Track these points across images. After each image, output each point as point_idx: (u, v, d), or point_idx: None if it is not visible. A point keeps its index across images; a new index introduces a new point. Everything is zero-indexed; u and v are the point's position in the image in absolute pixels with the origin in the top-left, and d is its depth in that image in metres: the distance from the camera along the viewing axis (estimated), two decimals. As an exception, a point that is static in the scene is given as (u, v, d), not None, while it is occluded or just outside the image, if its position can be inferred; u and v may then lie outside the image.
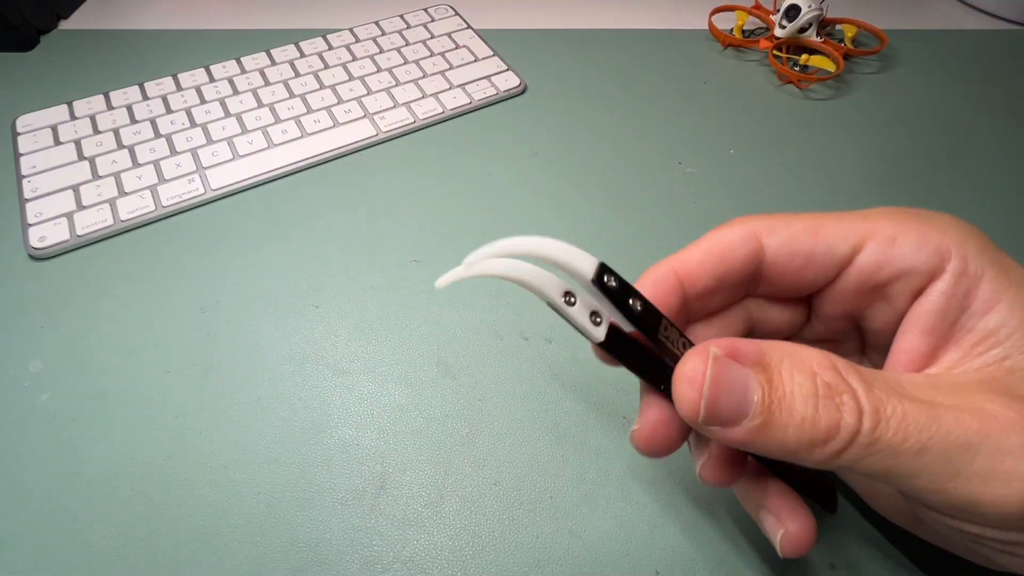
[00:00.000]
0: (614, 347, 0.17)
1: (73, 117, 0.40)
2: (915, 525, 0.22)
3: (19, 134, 0.39)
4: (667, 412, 0.18)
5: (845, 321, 0.21)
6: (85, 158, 0.38)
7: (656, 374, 0.18)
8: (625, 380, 0.29)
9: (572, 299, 0.16)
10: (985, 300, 0.17)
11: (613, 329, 0.17)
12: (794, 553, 0.19)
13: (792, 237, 0.19)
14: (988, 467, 0.14)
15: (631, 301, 0.16)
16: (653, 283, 0.19)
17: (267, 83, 0.43)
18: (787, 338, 0.22)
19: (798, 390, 0.15)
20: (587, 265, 0.16)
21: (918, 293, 0.18)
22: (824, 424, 0.15)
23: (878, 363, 0.21)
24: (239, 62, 0.45)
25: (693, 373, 0.16)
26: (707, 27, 0.50)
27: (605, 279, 0.16)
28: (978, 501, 0.15)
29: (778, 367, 0.16)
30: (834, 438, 0.15)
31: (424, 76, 0.44)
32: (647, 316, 0.17)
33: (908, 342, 0.18)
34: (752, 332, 0.22)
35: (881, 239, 0.18)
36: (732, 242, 0.19)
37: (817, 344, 0.19)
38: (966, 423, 0.14)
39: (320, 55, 0.46)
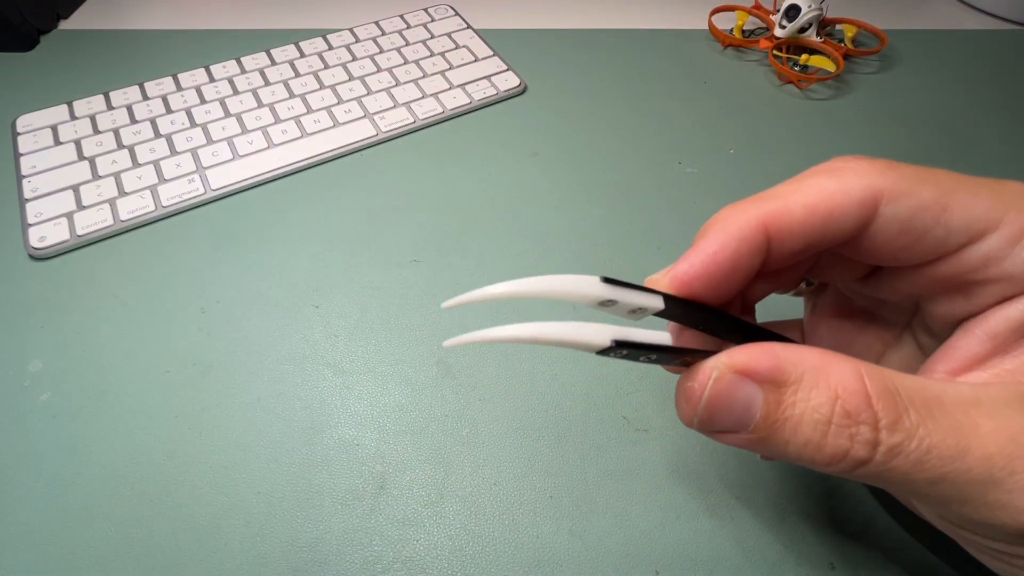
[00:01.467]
0: (677, 316, 0.17)
1: (73, 117, 0.40)
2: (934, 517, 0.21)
3: (19, 134, 0.39)
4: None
5: (908, 296, 0.19)
6: (85, 158, 0.38)
7: (724, 330, 0.17)
8: (625, 380, 0.29)
9: (608, 305, 0.16)
10: None
11: (666, 308, 0.16)
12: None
13: (917, 211, 0.16)
14: (1001, 500, 0.14)
15: (641, 359, 0.16)
16: (737, 238, 0.17)
17: (267, 83, 0.43)
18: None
19: (810, 414, 0.14)
20: (599, 341, 0.15)
21: (1007, 298, 0.16)
22: (830, 451, 0.14)
23: (923, 343, 0.20)
24: (239, 62, 0.45)
25: (691, 391, 0.16)
26: (707, 27, 0.50)
27: (619, 351, 0.15)
28: (985, 523, 0.14)
29: (795, 385, 0.15)
30: (838, 463, 0.14)
31: (424, 76, 0.44)
32: (665, 352, 0.16)
33: (967, 342, 0.17)
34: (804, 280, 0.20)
35: (1009, 233, 0.16)
36: (847, 204, 0.16)
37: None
38: (993, 457, 0.14)
39: (320, 55, 0.46)
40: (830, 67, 0.44)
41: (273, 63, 0.45)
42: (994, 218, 0.16)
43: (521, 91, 0.44)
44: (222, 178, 0.37)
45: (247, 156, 0.39)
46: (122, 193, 0.36)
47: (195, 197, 0.36)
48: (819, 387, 0.14)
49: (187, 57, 0.46)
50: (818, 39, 0.46)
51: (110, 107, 0.41)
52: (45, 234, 0.34)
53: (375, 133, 0.41)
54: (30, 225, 0.34)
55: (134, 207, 0.35)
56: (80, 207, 0.35)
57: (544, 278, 0.14)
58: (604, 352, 0.15)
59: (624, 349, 0.15)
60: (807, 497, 0.26)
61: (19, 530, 0.25)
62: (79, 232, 0.34)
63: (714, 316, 0.17)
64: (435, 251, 0.34)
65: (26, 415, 0.28)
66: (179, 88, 0.43)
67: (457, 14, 0.50)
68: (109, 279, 0.33)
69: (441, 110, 0.42)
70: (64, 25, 0.49)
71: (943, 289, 0.17)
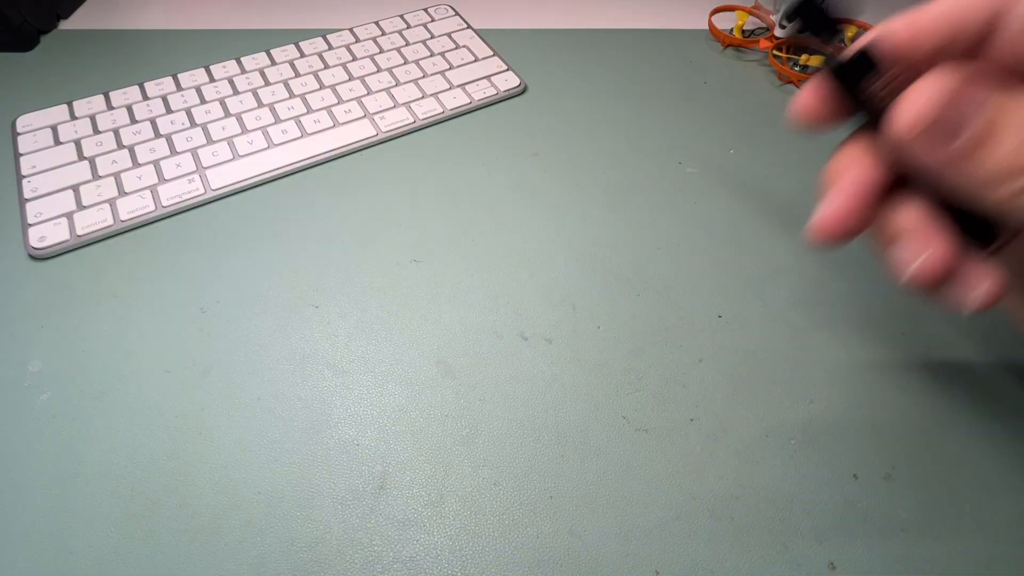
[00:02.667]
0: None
1: (73, 117, 0.40)
2: None
3: (19, 134, 0.39)
4: (859, 198, 0.18)
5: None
6: (85, 158, 0.38)
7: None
8: (625, 380, 0.29)
9: None
10: None
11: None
12: (930, 278, 0.18)
13: None
14: None
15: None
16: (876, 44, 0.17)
17: (267, 83, 0.43)
18: None
19: (1015, 129, 0.14)
20: None
21: None
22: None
23: None
24: (239, 62, 0.45)
25: (922, 88, 0.15)
26: (707, 27, 0.50)
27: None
28: None
29: (1019, 103, 0.15)
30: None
31: (424, 76, 0.44)
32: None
33: None
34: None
35: None
36: (973, 8, 0.17)
37: None
38: None
39: (320, 55, 0.46)
40: (830, 67, 0.44)
41: (273, 63, 0.45)
42: None
43: (521, 91, 0.44)
44: (222, 178, 0.37)
45: (247, 156, 0.39)
46: (122, 193, 0.36)
47: (195, 197, 0.36)
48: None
49: (187, 57, 0.46)
50: (818, 39, 0.46)
51: (110, 107, 0.41)
52: (45, 234, 0.34)
53: (375, 133, 0.41)
54: (30, 225, 0.34)
55: (134, 207, 0.35)
56: (80, 207, 0.35)
57: None
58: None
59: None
60: (807, 497, 0.26)
61: (19, 530, 0.25)
62: (79, 232, 0.34)
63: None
64: (435, 251, 0.34)
65: (26, 415, 0.28)
66: (179, 88, 0.43)
67: (457, 14, 0.50)
68: (109, 279, 0.33)
69: (441, 110, 0.42)
70: (64, 25, 0.49)
71: None
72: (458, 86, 0.44)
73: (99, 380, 0.29)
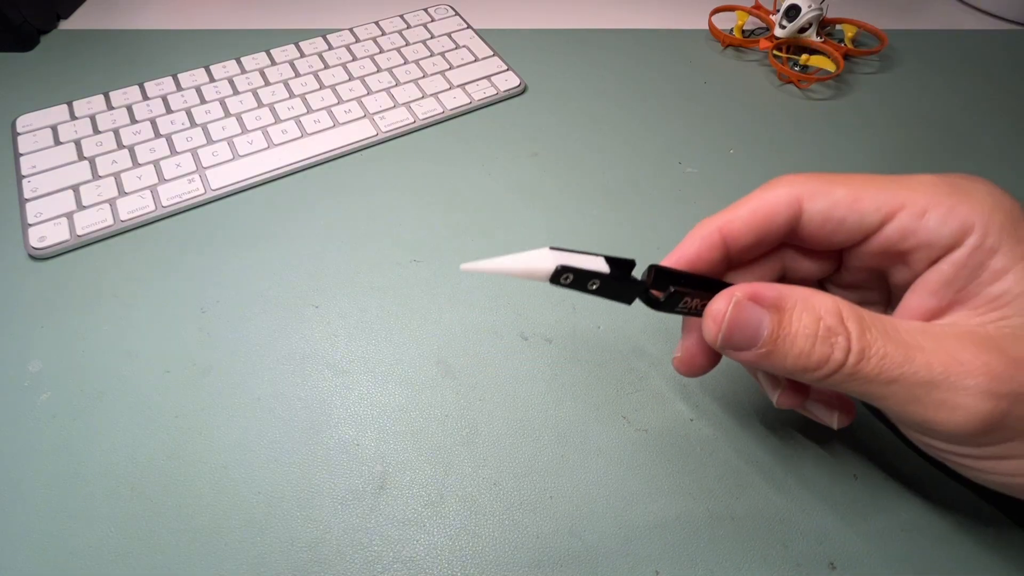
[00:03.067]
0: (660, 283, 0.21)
1: (73, 117, 0.40)
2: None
3: (19, 134, 0.39)
4: (700, 343, 0.23)
5: (870, 275, 0.23)
6: (85, 158, 0.38)
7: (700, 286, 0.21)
8: (625, 380, 0.29)
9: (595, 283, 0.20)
10: (995, 271, 0.19)
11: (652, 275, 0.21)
12: (788, 407, 0.24)
13: (832, 205, 0.21)
14: (941, 398, 0.18)
15: (589, 284, 0.20)
16: (700, 239, 0.22)
17: (267, 83, 0.43)
18: (818, 283, 0.25)
19: (802, 330, 0.19)
20: (546, 267, 0.19)
21: (936, 261, 0.20)
22: (816, 357, 0.19)
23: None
24: (239, 62, 0.45)
25: (716, 313, 0.20)
26: (707, 27, 0.50)
27: (562, 280, 0.19)
28: (930, 421, 0.18)
29: (791, 310, 0.19)
30: (823, 367, 0.19)
31: (424, 76, 0.44)
32: (610, 288, 0.20)
33: (915, 300, 0.20)
34: (784, 277, 0.24)
35: (912, 212, 0.20)
36: (776, 205, 0.21)
37: (846, 290, 0.24)
38: (933, 365, 0.18)
39: (320, 55, 0.46)
40: (830, 67, 0.44)
41: (273, 63, 0.45)
42: (899, 201, 0.20)
43: (521, 91, 0.44)
44: (222, 178, 0.37)
45: (247, 156, 0.39)
46: (122, 193, 0.36)
47: (195, 197, 0.36)
48: (808, 311, 0.19)
49: (187, 57, 0.46)
50: (818, 39, 0.46)
51: (110, 107, 0.41)
52: (45, 234, 0.34)
53: (375, 133, 0.41)
54: (30, 225, 0.34)
55: (134, 207, 0.35)
56: (80, 207, 0.35)
57: (505, 259, 0.19)
58: (555, 279, 0.19)
59: (569, 274, 0.19)
60: (806, 497, 0.26)
61: (19, 530, 0.25)
62: (79, 232, 0.34)
63: (684, 277, 0.22)
64: (435, 251, 0.34)
65: (26, 415, 0.28)
66: (179, 88, 0.43)
67: (457, 14, 0.50)
68: (109, 279, 0.33)
69: (441, 110, 0.42)
70: (64, 25, 0.49)
71: (887, 262, 0.21)
72: (458, 86, 0.44)
73: (99, 380, 0.29)
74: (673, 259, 0.23)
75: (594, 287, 0.20)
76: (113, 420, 0.28)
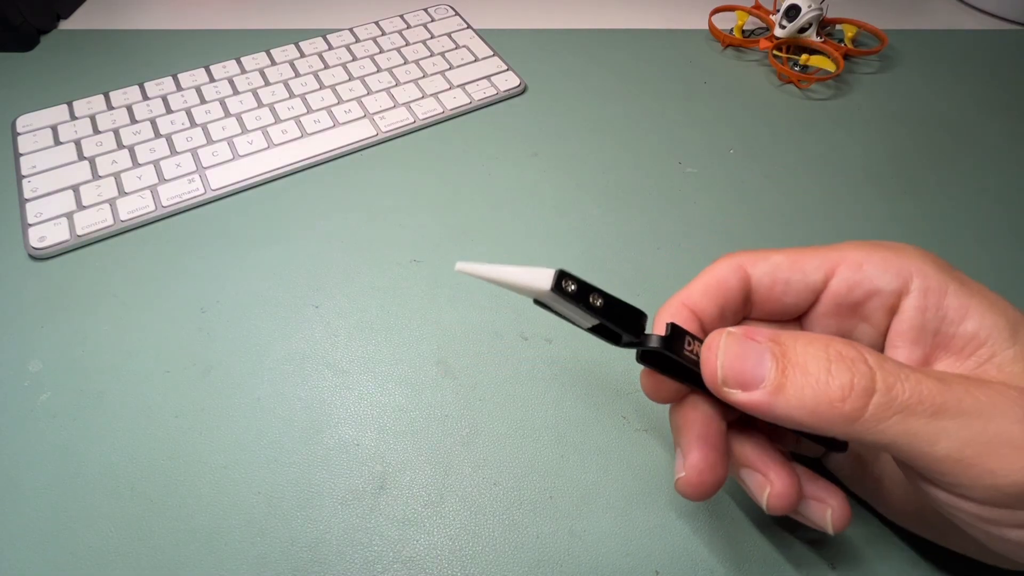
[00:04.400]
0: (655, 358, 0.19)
1: (73, 117, 0.40)
2: (921, 526, 0.22)
3: (19, 134, 0.39)
4: (708, 455, 0.20)
5: (838, 334, 0.22)
6: (85, 158, 0.38)
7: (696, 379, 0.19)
8: (625, 380, 0.29)
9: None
10: (956, 308, 0.19)
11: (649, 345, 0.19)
12: (781, 509, 0.20)
13: (773, 267, 0.21)
14: (1000, 433, 0.15)
15: (591, 298, 0.18)
16: (672, 316, 0.21)
17: (267, 83, 0.43)
18: None
19: (811, 358, 0.17)
20: (544, 280, 0.17)
21: (893, 311, 0.20)
22: (837, 383, 0.16)
23: None
24: (239, 62, 0.45)
25: (711, 343, 0.18)
26: (707, 27, 0.50)
27: (563, 284, 0.17)
28: (993, 471, 0.15)
29: (792, 342, 0.17)
30: (849, 396, 0.16)
31: (424, 76, 0.44)
32: (614, 310, 0.18)
33: (899, 355, 0.20)
34: None
35: (850, 265, 0.21)
36: (724, 273, 0.21)
37: None
38: (976, 394, 0.16)
39: (320, 55, 0.46)
40: (830, 67, 0.44)
41: (273, 63, 0.45)
42: (836, 257, 0.21)
43: (521, 91, 0.44)
44: (222, 178, 0.37)
45: (247, 156, 0.39)
46: (122, 193, 0.36)
47: (195, 197, 0.36)
48: (810, 342, 0.17)
49: (187, 57, 0.46)
50: (818, 39, 0.46)
51: (110, 107, 0.41)
52: (45, 234, 0.34)
53: (375, 133, 0.41)
54: (30, 225, 0.34)
55: (134, 207, 0.35)
56: (80, 207, 0.35)
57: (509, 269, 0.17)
58: (556, 287, 0.17)
59: (571, 283, 0.17)
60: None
61: (19, 530, 0.25)
62: (79, 232, 0.34)
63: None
64: (435, 251, 0.34)
65: (26, 415, 0.28)
66: (179, 88, 0.43)
67: (457, 14, 0.50)
68: (109, 279, 0.33)
69: (441, 110, 0.42)
70: (64, 25, 0.49)
71: (846, 322, 0.21)
72: (458, 86, 0.44)
73: (99, 380, 0.29)
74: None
75: (597, 303, 0.18)
76: (113, 420, 0.28)
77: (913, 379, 0.16)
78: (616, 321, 0.18)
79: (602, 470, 0.26)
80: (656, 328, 0.21)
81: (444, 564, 0.24)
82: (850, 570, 0.24)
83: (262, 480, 0.26)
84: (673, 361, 0.19)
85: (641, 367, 0.20)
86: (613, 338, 0.19)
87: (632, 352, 0.20)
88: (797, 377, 0.17)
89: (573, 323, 0.19)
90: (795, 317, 0.23)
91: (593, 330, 0.19)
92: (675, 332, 0.19)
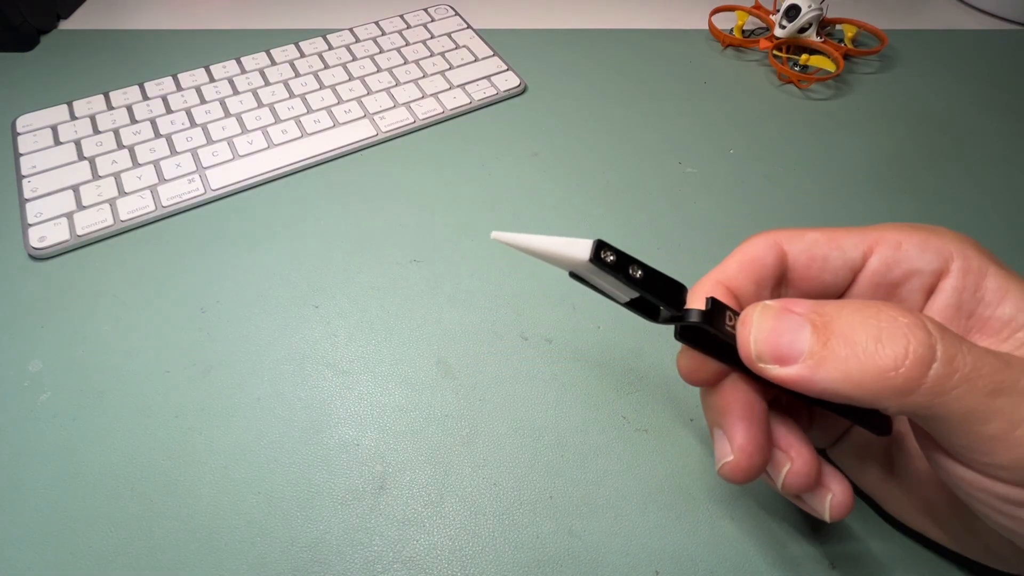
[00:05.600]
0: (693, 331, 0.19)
1: (73, 117, 0.40)
2: (926, 523, 0.22)
3: (19, 134, 0.39)
4: (756, 436, 0.19)
5: None
6: (85, 158, 0.38)
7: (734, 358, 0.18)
8: (625, 380, 0.29)
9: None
10: (995, 291, 0.18)
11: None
12: (797, 488, 0.20)
13: (811, 244, 0.21)
14: None
15: (631, 269, 0.17)
16: (711, 292, 0.20)
17: (267, 83, 0.43)
18: None
19: (859, 326, 0.16)
20: (582, 250, 0.17)
21: (930, 291, 0.20)
22: (890, 352, 0.15)
23: None
24: (239, 62, 0.45)
25: (746, 317, 0.18)
26: (707, 27, 0.50)
27: (602, 255, 0.17)
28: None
29: (837, 311, 0.16)
30: (903, 365, 0.15)
31: (424, 76, 0.44)
32: (654, 283, 0.18)
33: None
34: None
35: (888, 244, 0.20)
36: (760, 251, 0.21)
37: None
38: None
39: (320, 55, 0.46)
40: (830, 67, 0.44)
41: (273, 63, 0.45)
42: (874, 236, 0.20)
43: (521, 91, 0.44)
44: (222, 178, 0.37)
45: (247, 156, 0.39)
46: (122, 193, 0.36)
47: (195, 197, 0.36)
48: (862, 310, 0.16)
49: (187, 57, 0.46)
50: (818, 39, 0.46)
51: (110, 107, 0.41)
52: (45, 234, 0.34)
53: (375, 133, 0.41)
54: (30, 225, 0.34)
55: (134, 207, 0.35)
56: (80, 207, 0.35)
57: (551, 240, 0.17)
58: (595, 257, 0.17)
59: (610, 252, 0.17)
60: (807, 497, 0.26)
61: (19, 530, 0.25)
62: (79, 232, 0.34)
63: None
64: (435, 251, 0.34)
65: (26, 415, 0.28)
66: (179, 88, 0.43)
67: (457, 14, 0.50)
68: (109, 279, 0.33)
69: (441, 110, 0.42)
70: (64, 25, 0.49)
71: (889, 298, 0.20)
72: (458, 86, 0.44)
73: (99, 380, 0.29)
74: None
75: (637, 275, 0.17)
76: (113, 420, 0.28)
77: (976, 352, 0.15)
78: (656, 293, 0.18)
79: (602, 470, 0.26)
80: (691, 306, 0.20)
81: (444, 564, 0.24)
82: (850, 569, 0.24)
83: (262, 480, 0.26)
84: (713, 337, 0.18)
85: (679, 346, 0.20)
86: (651, 313, 0.19)
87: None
88: (841, 348, 0.16)
89: (610, 297, 0.19)
90: (833, 297, 0.22)
91: (631, 304, 0.18)
92: (715, 307, 0.18)
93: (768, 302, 0.18)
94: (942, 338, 0.15)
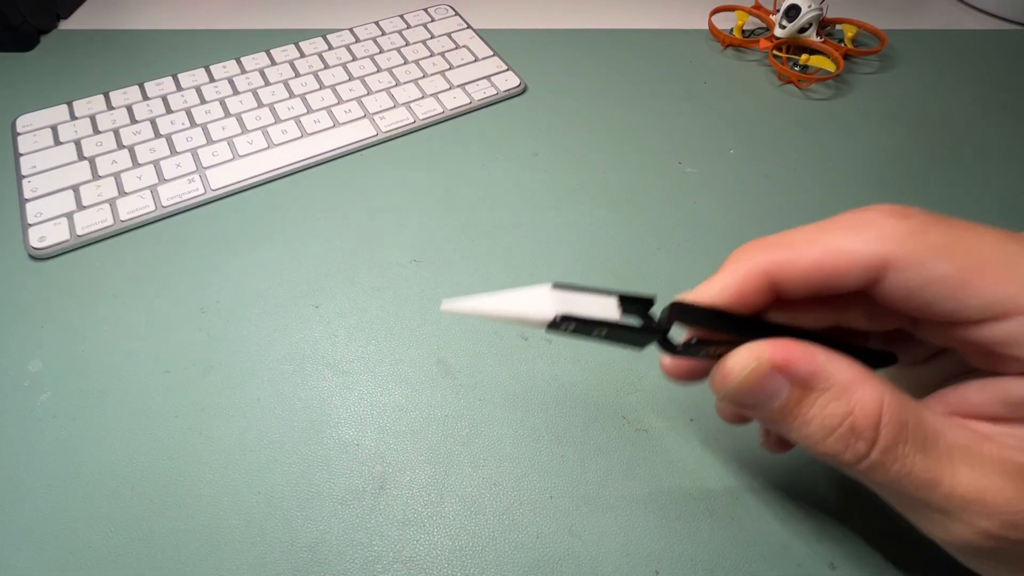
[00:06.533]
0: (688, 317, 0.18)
1: (73, 117, 0.40)
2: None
3: (19, 134, 0.39)
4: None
5: (932, 348, 0.20)
6: (85, 158, 0.38)
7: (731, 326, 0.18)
8: (625, 380, 0.29)
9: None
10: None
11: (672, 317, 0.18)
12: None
13: (925, 283, 0.16)
14: (951, 528, 0.16)
15: (595, 332, 0.17)
16: (742, 278, 0.18)
17: (267, 83, 0.43)
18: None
19: (820, 419, 0.16)
20: (544, 315, 0.16)
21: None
22: (823, 449, 0.17)
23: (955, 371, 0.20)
24: (239, 62, 0.45)
25: (728, 371, 0.17)
26: (707, 27, 0.50)
27: (563, 328, 0.17)
28: (929, 534, 0.17)
29: (821, 393, 0.16)
30: (827, 459, 0.17)
31: (424, 76, 0.44)
32: (618, 334, 0.18)
33: (981, 399, 0.17)
34: (838, 327, 0.20)
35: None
36: (852, 262, 0.16)
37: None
38: (954, 497, 0.16)
39: (320, 55, 0.46)
40: (830, 67, 0.44)
41: (273, 63, 0.45)
42: (1017, 304, 0.15)
43: (521, 91, 0.44)
44: (222, 178, 0.37)
45: (247, 156, 0.39)
46: (122, 193, 0.36)
47: (195, 197, 0.36)
48: (840, 401, 0.16)
49: (187, 57, 0.46)
50: (818, 39, 0.46)
51: (110, 107, 0.41)
52: (45, 234, 0.34)
53: (375, 133, 0.41)
54: (30, 225, 0.34)
55: (134, 207, 0.35)
56: (80, 207, 0.35)
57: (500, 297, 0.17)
58: (553, 327, 0.16)
59: (571, 323, 0.16)
60: (807, 497, 0.26)
61: (19, 530, 0.25)
62: (79, 232, 0.34)
63: (710, 316, 0.18)
64: (435, 251, 0.34)
65: (26, 415, 0.28)
66: (179, 88, 0.43)
67: (457, 14, 0.50)
68: (109, 279, 0.33)
69: (441, 110, 0.42)
70: (64, 25, 0.49)
71: (964, 348, 0.17)
72: (458, 86, 0.44)
73: (99, 380, 0.29)
74: (703, 293, 0.18)
75: (602, 334, 0.17)
76: (113, 420, 0.28)
77: (905, 470, 0.16)
78: (628, 341, 0.18)
79: (602, 470, 0.26)
80: (722, 281, 0.18)
81: (444, 564, 0.24)
82: (850, 569, 0.24)
83: (262, 480, 0.26)
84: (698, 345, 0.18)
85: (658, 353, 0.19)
86: (635, 342, 0.18)
87: (632, 353, 0.19)
88: (794, 425, 0.17)
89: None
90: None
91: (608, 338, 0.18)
92: (680, 314, 0.18)
93: (766, 355, 0.16)
94: (879, 453, 0.16)
